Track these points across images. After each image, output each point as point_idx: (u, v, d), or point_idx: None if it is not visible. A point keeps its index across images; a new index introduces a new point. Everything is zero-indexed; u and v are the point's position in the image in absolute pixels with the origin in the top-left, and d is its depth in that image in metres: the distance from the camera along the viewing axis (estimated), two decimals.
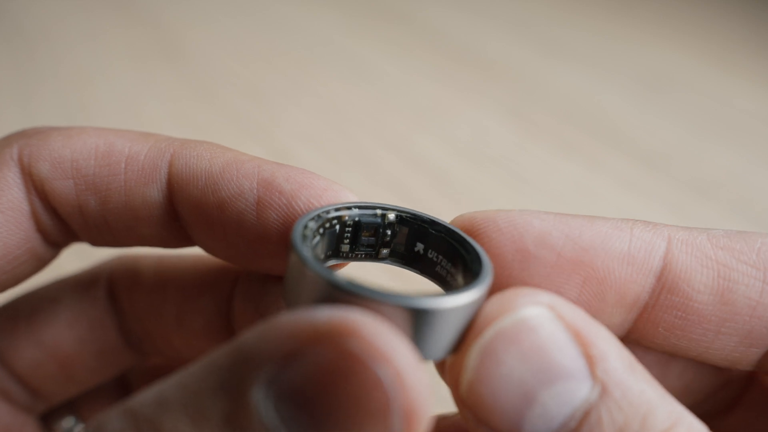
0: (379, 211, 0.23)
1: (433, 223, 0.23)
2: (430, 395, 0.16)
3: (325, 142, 0.63)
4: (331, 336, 0.16)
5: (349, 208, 0.22)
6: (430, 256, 0.24)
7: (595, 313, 0.23)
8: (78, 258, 0.30)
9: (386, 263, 0.24)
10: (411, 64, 0.79)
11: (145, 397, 0.17)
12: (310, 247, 0.20)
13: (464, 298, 0.19)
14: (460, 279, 0.22)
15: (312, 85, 0.74)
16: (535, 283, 0.22)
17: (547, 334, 0.19)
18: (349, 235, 0.23)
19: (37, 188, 0.25)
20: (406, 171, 0.60)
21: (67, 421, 0.33)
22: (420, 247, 0.24)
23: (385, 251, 0.24)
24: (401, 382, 0.16)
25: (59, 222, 0.26)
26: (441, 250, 0.23)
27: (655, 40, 0.86)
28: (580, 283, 0.22)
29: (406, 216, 0.23)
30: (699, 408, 0.29)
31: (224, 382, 0.16)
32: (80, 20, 0.84)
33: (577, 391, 0.19)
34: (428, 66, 0.78)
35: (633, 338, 0.25)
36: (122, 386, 0.35)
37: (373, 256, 0.24)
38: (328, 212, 0.22)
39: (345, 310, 0.16)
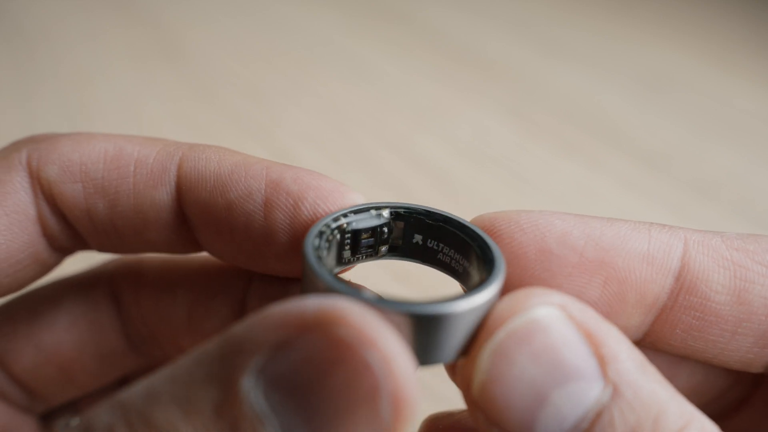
0: (373, 212, 0.23)
1: (429, 214, 0.23)
2: (417, 382, 0.16)
3: (326, 143, 0.62)
4: (320, 324, 0.16)
5: (345, 215, 0.23)
6: (430, 245, 0.24)
7: (615, 314, 0.23)
8: (77, 259, 0.30)
9: (387, 259, 0.24)
10: (411, 64, 0.79)
11: (134, 390, 0.17)
12: (323, 264, 0.20)
13: (474, 301, 0.19)
14: (471, 267, 0.22)
15: (312, 85, 0.74)
16: (557, 283, 0.22)
17: (559, 334, 0.19)
18: (348, 241, 0.23)
19: (45, 192, 0.25)
20: (406, 171, 0.60)
21: (68, 420, 0.33)
22: (418, 238, 0.24)
23: (384, 248, 0.24)
24: (389, 368, 0.16)
25: (66, 227, 0.26)
26: (441, 239, 0.23)
27: (655, 40, 0.86)
28: (602, 284, 0.23)
29: (401, 211, 0.23)
30: (707, 408, 0.29)
31: (214, 372, 0.16)
32: (80, 20, 0.84)
33: (589, 392, 0.19)
34: (428, 66, 0.78)
35: (649, 341, 0.24)
36: (124, 385, 0.34)
37: (374, 255, 0.24)
38: (329, 225, 0.22)
39: (333, 298, 0.17)
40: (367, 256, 0.24)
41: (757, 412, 0.28)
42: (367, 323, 0.16)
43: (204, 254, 0.30)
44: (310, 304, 0.17)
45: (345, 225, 0.23)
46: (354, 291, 0.18)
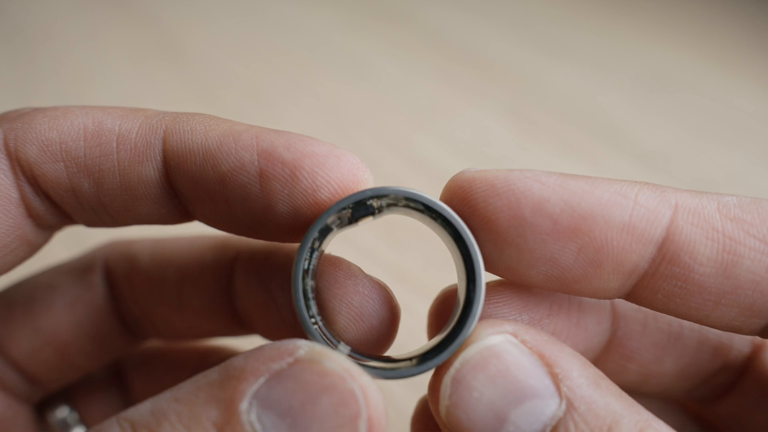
0: (348, 212, 0.23)
1: (427, 209, 0.23)
2: (386, 410, 0.20)
3: None
4: (312, 358, 0.19)
5: (330, 228, 0.23)
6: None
7: (590, 279, 0.23)
8: (66, 246, 0.30)
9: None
10: (411, 64, 0.79)
11: (140, 409, 0.19)
12: (311, 306, 0.23)
13: (433, 364, 0.22)
14: (459, 270, 0.24)
15: (312, 85, 0.74)
16: (529, 249, 0.23)
17: (512, 358, 0.21)
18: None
19: (25, 173, 0.25)
20: (406, 171, 0.60)
21: (61, 411, 0.34)
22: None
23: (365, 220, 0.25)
24: (367, 396, 0.19)
25: (51, 206, 0.26)
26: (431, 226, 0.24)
27: (655, 40, 0.86)
28: (576, 250, 0.22)
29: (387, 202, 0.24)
30: (696, 392, 0.29)
31: (215, 395, 0.19)
32: (80, 20, 0.84)
33: (546, 408, 0.20)
34: (428, 66, 0.78)
35: (633, 300, 0.24)
36: (116, 377, 0.35)
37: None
38: (313, 245, 0.23)
39: (316, 343, 0.20)
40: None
41: (745, 398, 0.28)
42: (344, 361, 0.20)
43: (192, 233, 0.31)
44: (302, 343, 0.20)
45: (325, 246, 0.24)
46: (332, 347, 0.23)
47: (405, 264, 0.50)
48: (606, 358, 0.28)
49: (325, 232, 0.23)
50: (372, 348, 0.26)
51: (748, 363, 0.28)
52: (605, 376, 0.22)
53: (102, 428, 0.19)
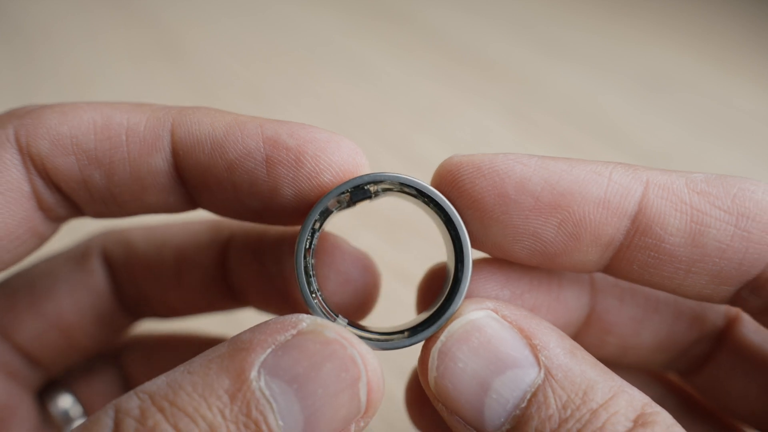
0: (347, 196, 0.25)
1: (420, 194, 0.25)
2: (383, 374, 0.22)
3: None
4: (314, 329, 0.21)
5: (330, 209, 0.25)
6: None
7: (570, 251, 0.25)
8: (58, 237, 0.31)
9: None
10: (411, 64, 0.79)
11: (156, 381, 0.21)
12: (312, 282, 0.25)
13: (423, 337, 0.24)
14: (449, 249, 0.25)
15: (312, 85, 0.74)
16: (514, 224, 0.25)
17: (493, 331, 0.23)
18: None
19: (37, 167, 0.26)
20: (406, 171, 0.60)
21: (64, 400, 0.35)
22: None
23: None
24: (366, 362, 0.21)
25: (61, 198, 0.27)
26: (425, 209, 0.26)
27: (655, 40, 0.86)
28: (557, 225, 0.24)
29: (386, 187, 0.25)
30: (675, 364, 0.31)
31: (226, 366, 0.21)
32: (80, 20, 0.84)
33: (526, 377, 0.22)
34: (428, 66, 0.78)
35: (611, 273, 0.26)
36: (117, 368, 0.37)
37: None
38: (314, 226, 0.25)
39: (316, 317, 0.22)
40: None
41: (721, 368, 0.30)
42: (347, 331, 0.22)
43: (182, 218, 0.32)
44: (304, 317, 0.22)
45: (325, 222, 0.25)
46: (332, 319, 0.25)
47: (405, 263, 0.50)
48: (586, 332, 0.29)
49: (326, 214, 0.25)
50: (357, 310, 0.29)
51: (723, 335, 0.30)
52: (581, 347, 0.23)
53: (120, 401, 0.20)
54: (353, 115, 0.69)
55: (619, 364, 0.30)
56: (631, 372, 0.32)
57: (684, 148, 0.67)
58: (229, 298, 0.33)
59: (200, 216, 0.31)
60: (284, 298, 0.31)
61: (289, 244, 0.31)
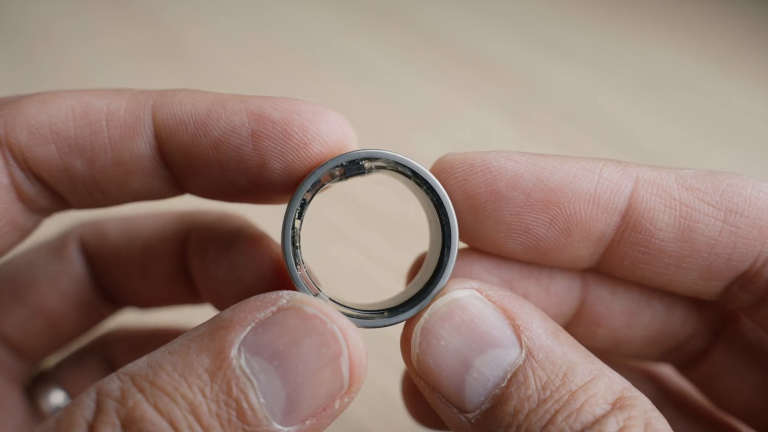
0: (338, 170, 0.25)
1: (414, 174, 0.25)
2: (366, 349, 0.21)
3: None
4: (294, 306, 0.21)
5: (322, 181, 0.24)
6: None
7: (562, 247, 0.25)
8: (39, 230, 0.31)
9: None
10: (411, 64, 0.79)
11: (138, 363, 0.21)
12: (299, 256, 0.25)
13: (404, 317, 0.24)
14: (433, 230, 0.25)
15: (312, 85, 0.74)
16: (506, 221, 0.25)
17: (476, 310, 0.23)
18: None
19: (16, 158, 0.25)
20: None
21: (56, 396, 0.35)
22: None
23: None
24: (347, 337, 0.21)
25: (43, 189, 0.26)
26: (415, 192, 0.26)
27: (655, 40, 0.86)
28: (548, 221, 0.25)
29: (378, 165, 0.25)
30: (670, 357, 0.31)
31: (206, 345, 0.20)
32: (80, 20, 0.84)
33: (507, 356, 0.22)
34: (428, 66, 0.78)
35: (603, 269, 0.27)
36: (107, 364, 0.37)
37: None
38: (304, 197, 0.24)
39: (300, 293, 0.22)
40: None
41: (718, 364, 0.30)
42: (327, 306, 0.22)
43: (159, 209, 0.32)
44: (284, 293, 0.22)
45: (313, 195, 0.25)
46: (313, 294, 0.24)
47: (404, 262, 0.50)
48: (577, 323, 0.29)
49: (317, 186, 0.24)
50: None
51: (721, 331, 0.30)
52: (563, 329, 0.23)
53: (102, 383, 0.20)
54: (353, 115, 0.69)
55: (612, 356, 0.30)
56: (623, 369, 0.31)
57: (684, 148, 0.67)
58: (192, 293, 0.33)
59: (175, 205, 0.31)
60: (234, 297, 0.30)
61: (245, 242, 0.30)
